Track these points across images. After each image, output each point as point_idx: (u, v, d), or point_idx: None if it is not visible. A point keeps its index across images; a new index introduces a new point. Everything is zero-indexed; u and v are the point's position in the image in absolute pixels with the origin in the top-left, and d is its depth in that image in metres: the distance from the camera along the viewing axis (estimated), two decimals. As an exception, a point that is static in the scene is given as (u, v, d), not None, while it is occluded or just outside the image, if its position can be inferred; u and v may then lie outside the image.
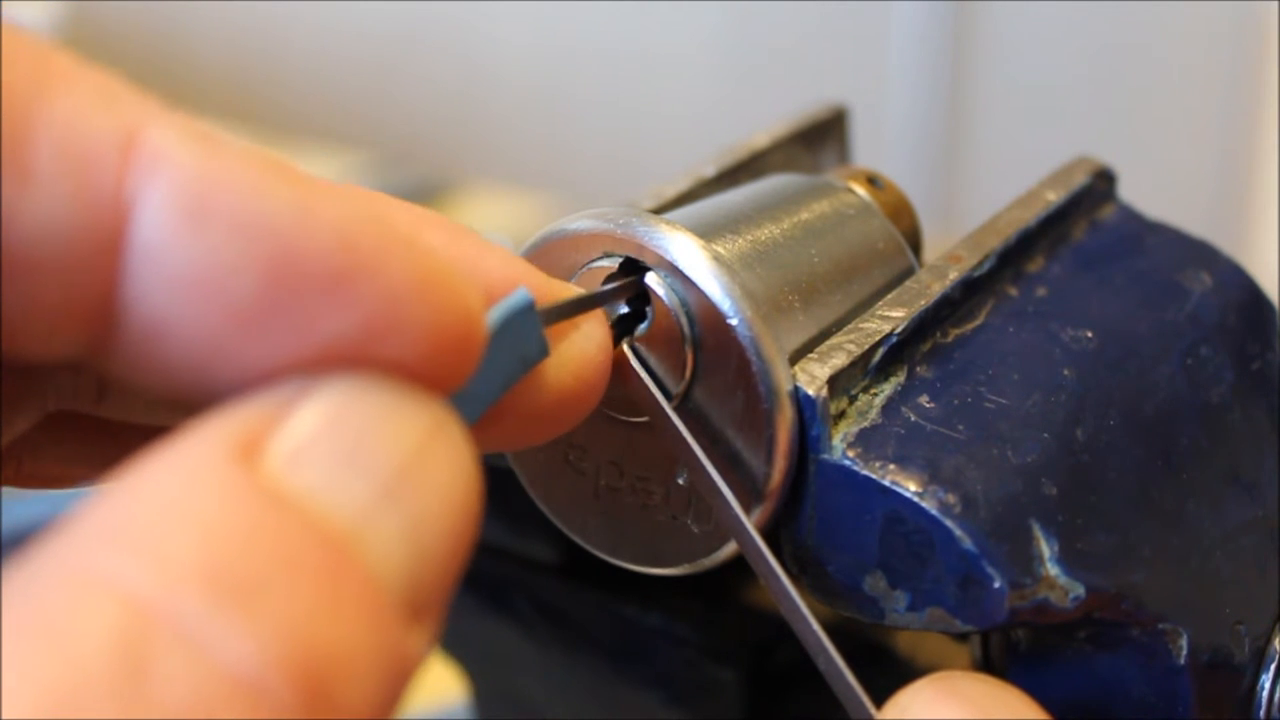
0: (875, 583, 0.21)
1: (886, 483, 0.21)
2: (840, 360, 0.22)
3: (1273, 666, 0.24)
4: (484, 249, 0.20)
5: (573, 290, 0.21)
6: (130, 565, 0.13)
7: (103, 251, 0.15)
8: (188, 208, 0.15)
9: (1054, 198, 0.27)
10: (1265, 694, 0.24)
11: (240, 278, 0.15)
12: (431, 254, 0.16)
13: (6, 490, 0.26)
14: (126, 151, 0.15)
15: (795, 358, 0.22)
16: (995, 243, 0.25)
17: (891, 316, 0.23)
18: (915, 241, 0.27)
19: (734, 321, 0.21)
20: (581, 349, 0.21)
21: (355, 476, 0.15)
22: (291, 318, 0.15)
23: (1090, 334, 0.25)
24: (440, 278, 0.16)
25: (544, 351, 0.19)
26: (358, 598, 0.14)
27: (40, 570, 0.13)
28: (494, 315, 0.19)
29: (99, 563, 0.13)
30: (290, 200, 0.15)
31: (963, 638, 0.26)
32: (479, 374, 0.17)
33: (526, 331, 0.19)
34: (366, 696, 0.14)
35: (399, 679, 0.14)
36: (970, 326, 0.24)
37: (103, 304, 0.15)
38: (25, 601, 0.13)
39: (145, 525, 0.14)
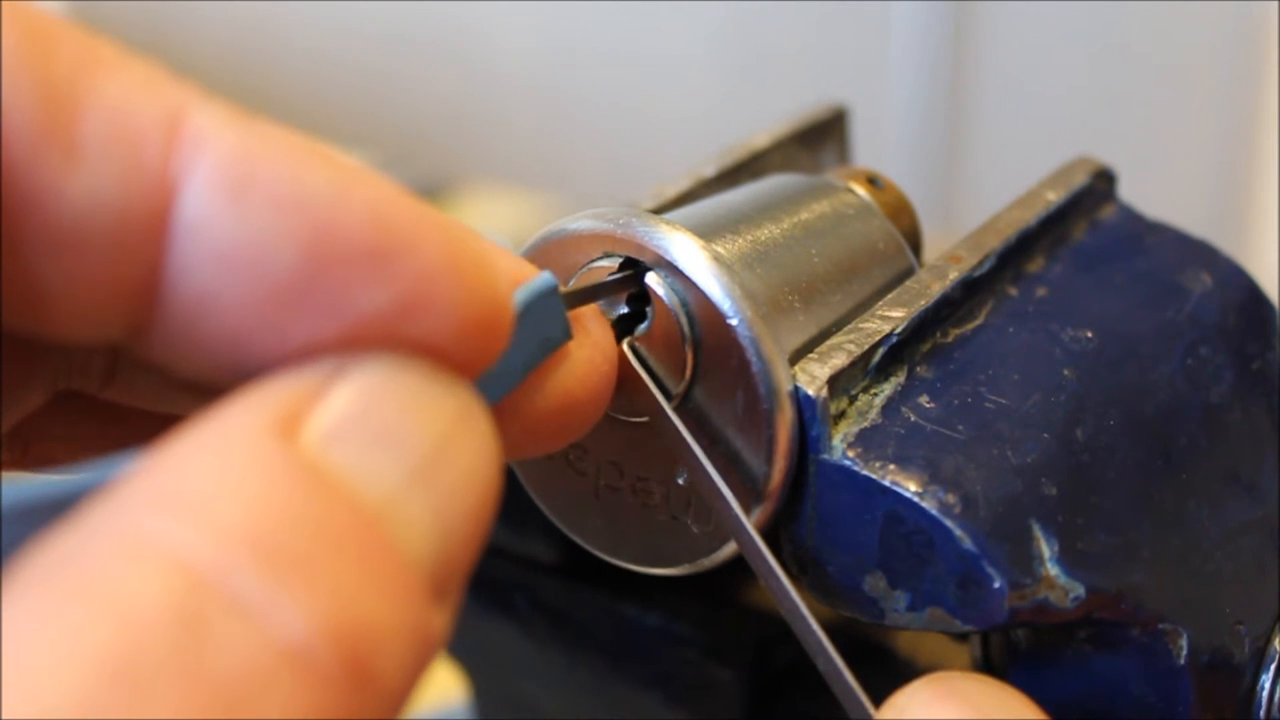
0: (875, 583, 0.21)
1: (886, 483, 0.21)
2: (840, 360, 0.22)
3: (1273, 666, 0.24)
4: (487, 248, 0.20)
5: (573, 288, 0.21)
6: (184, 530, 0.13)
7: (148, 228, 0.15)
8: (230, 185, 0.15)
9: (1054, 198, 0.27)
10: (1265, 694, 0.24)
11: (280, 253, 0.15)
12: (462, 235, 0.16)
13: (8, 475, 0.27)
14: (172, 132, 0.15)
15: (795, 358, 0.22)
16: (995, 243, 0.25)
17: (891, 316, 0.23)
18: (915, 241, 0.27)
19: (734, 321, 0.21)
20: (588, 357, 0.21)
21: (388, 457, 0.15)
22: (329, 293, 0.15)
23: (1090, 334, 0.25)
24: (472, 259, 0.16)
25: (567, 334, 0.20)
26: (392, 574, 0.14)
27: (93, 534, 0.13)
28: (519, 297, 0.19)
29: (152, 527, 0.13)
30: (328, 180, 0.16)
31: (963, 638, 0.26)
32: (504, 355, 0.18)
33: (550, 314, 0.19)
34: (401, 670, 0.14)
35: (426, 655, 0.15)
36: (970, 326, 0.24)
37: (147, 281, 0.15)
38: (79, 564, 0.13)
39: (195, 492, 0.14)
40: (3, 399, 0.19)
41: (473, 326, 0.16)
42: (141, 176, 0.15)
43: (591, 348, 0.21)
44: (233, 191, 0.15)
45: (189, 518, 0.14)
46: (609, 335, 0.21)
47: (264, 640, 0.13)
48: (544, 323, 0.19)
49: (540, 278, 0.19)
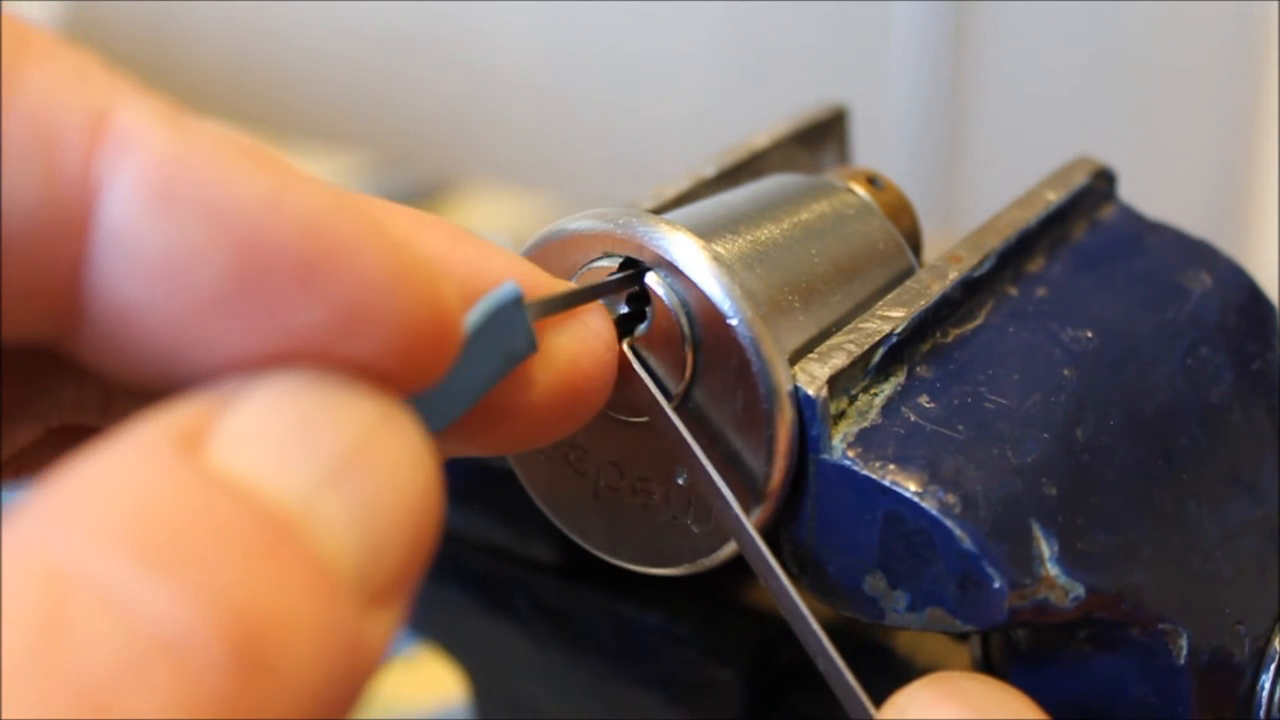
0: (875, 583, 0.21)
1: (886, 483, 0.21)
2: (840, 360, 0.22)
3: (1273, 666, 0.24)
4: (486, 250, 0.20)
5: (570, 286, 0.21)
6: (56, 536, 0.13)
7: (68, 232, 0.15)
8: (155, 192, 0.15)
9: (1054, 198, 0.27)
10: (1265, 694, 0.24)
11: (206, 265, 0.15)
12: (404, 246, 0.16)
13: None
14: (96, 131, 0.15)
15: (795, 358, 0.22)
16: (995, 243, 0.25)
17: (891, 316, 0.23)
18: (915, 241, 0.27)
19: (734, 321, 0.21)
20: (589, 345, 0.21)
21: (297, 461, 0.15)
22: (257, 307, 0.15)
23: (1090, 334, 0.25)
24: (413, 271, 0.16)
25: (532, 346, 0.19)
26: (301, 572, 0.14)
27: None
28: (480, 309, 0.18)
29: (27, 535, 0.13)
30: (260, 186, 0.15)
31: (963, 638, 0.26)
32: (461, 368, 0.17)
33: (513, 326, 0.19)
34: (313, 669, 0.14)
35: (355, 661, 0.14)
36: (970, 326, 0.24)
37: (68, 286, 0.15)
38: None
39: (76, 501, 0.14)
40: None
41: (413, 342, 0.16)
42: (61, 178, 0.15)
43: (593, 338, 0.21)
44: (158, 199, 0.15)
45: (65, 524, 0.13)
46: (609, 325, 0.21)
47: (133, 631, 0.13)
48: (506, 335, 0.19)
49: (502, 288, 0.19)
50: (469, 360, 0.17)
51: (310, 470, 0.15)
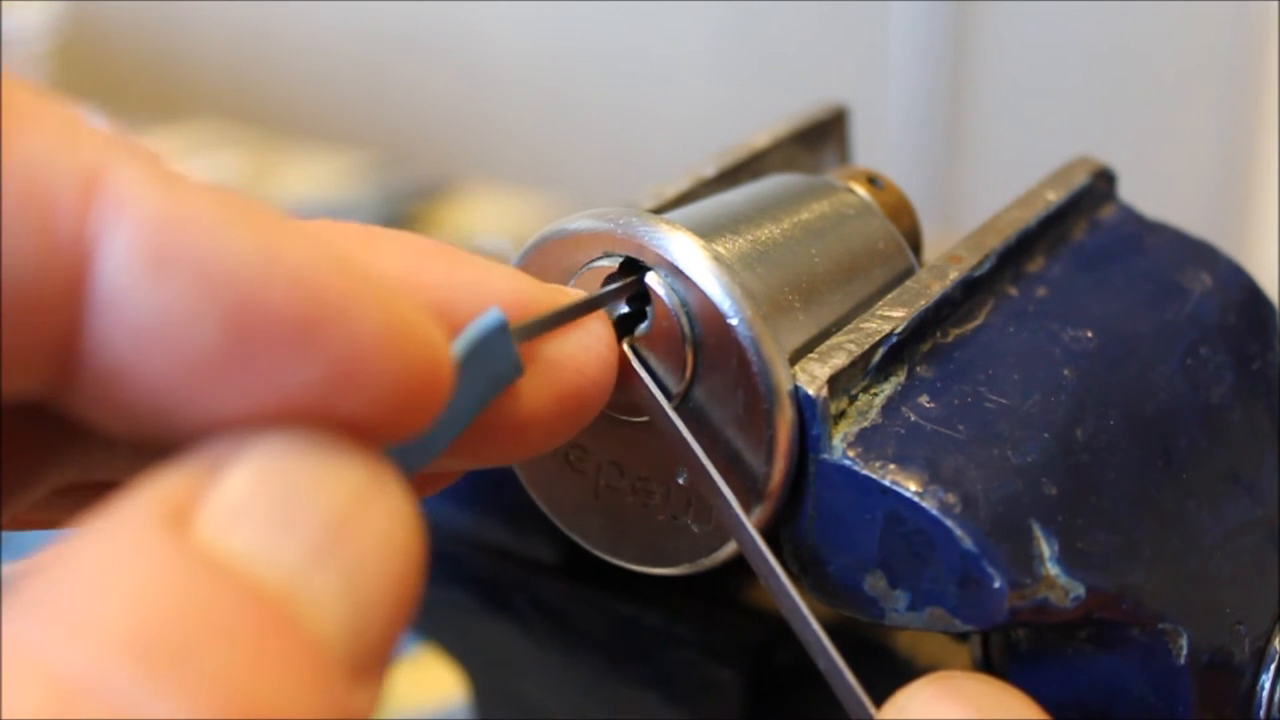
0: (875, 583, 0.21)
1: (886, 482, 0.21)
2: (840, 360, 0.22)
3: (1273, 666, 0.24)
4: (486, 271, 0.20)
5: (573, 296, 0.21)
6: (58, 642, 0.13)
7: (63, 295, 0.15)
8: (149, 256, 0.15)
9: (1054, 198, 0.27)
10: (1265, 694, 0.24)
11: (200, 328, 0.15)
12: (398, 300, 0.16)
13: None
14: (88, 193, 0.15)
15: (795, 358, 0.22)
16: (995, 243, 0.25)
17: (891, 316, 0.23)
18: (915, 241, 0.27)
19: (734, 321, 0.21)
20: (589, 348, 0.21)
21: (286, 537, 0.15)
22: (251, 368, 0.15)
23: (1090, 334, 0.25)
24: (407, 327, 0.16)
25: (518, 370, 0.19)
26: (296, 656, 0.14)
27: None
28: (465, 338, 0.18)
29: (28, 641, 0.13)
30: (253, 246, 0.15)
31: (963, 638, 0.26)
32: (450, 401, 0.17)
33: (499, 352, 0.19)
34: None
35: None
36: (970, 326, 0.24)
37: (63, 347, 0.15)
38: None
39: (74, 599, 0.13)
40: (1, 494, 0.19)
41: (406, 398, 0.16)
42: (55, 243, 0.14)
43: (595, 342, 0.21)
44: (152, 263, 0.15)
45: (64, 626, 0.13)
46: (608, 328, 0.21)
47: None
48: (492, 362, 0.19)
49: (486, 316, 0.19)
50: (456, 391, 0.17)
51: (299, 546, 0.15)
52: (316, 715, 0.14)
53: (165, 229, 0.15)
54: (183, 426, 0.15)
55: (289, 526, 0.15)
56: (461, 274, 0.20)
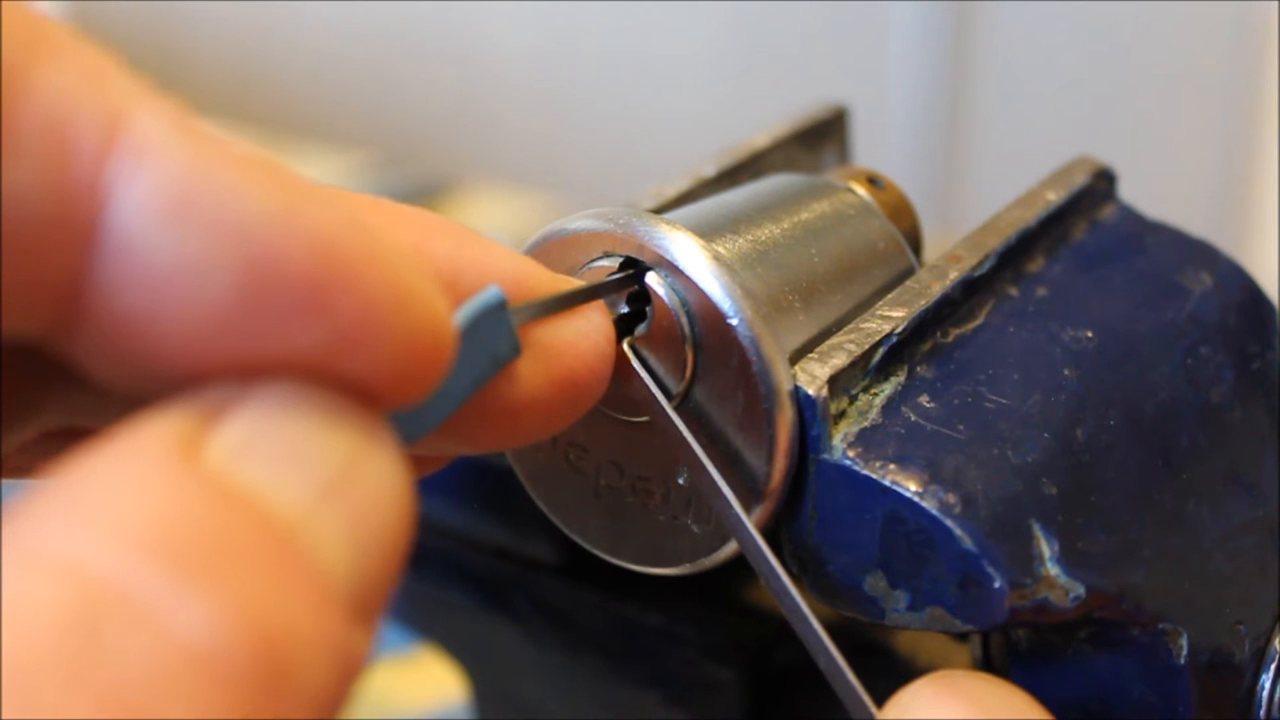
0: (875, 583, 0.21)
1: (887, 482, 0.21)
2: (840, 360, 0.22)
3: (1273, 666, 0.24)
4: (492, 251, 0.20)
5: (576, 284, 0.21)
6: (82, 539, 0.13)
7: (73, 236, 0.15)
8: (168, 205, 0.15)
9: (1054, 198, 0.27)
10: (1265, 694, 0.24)
11: (214, 281, 0.15)
12: (409, 267, 0.16)
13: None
14: (110, 136, 0.15)
15: (795, 357, 0.22)
16: (995, 243, 0.25)
17: (892, 316, 0.23)
18: (915, 241, 0.27)
19: (734, 321, 0.21)
20: (587, 335, 0.21)
21: (295, 475, 0.15)
22: (261, 323, 0.15)
23: (1090, 334, 0.25)
24: (414, 294, 0.16)
25: (515, 351, 0.19)
26: (305, 586, 0.14)
27: None
28: (463, 313, 0.18)
29: (51, 538, 0.13)
30: (273, 204, 0.15)
31: (963, 638, 0.26)
32: (446, 376, 0.17)
33: (497, 330, 0.19)
34: (318, 680, 0.14)
35: (348, 676, 0.14)
36: (970, 326, 0.24)
37: (69, 287, 0.15)
38: None
39: (95, 501, 0.13)
40: None
41: (408, 364, 0.16)
42: (72, 180, 0.15)
43: (593, 331, 0.21)
44: (170, 212, 0.15)
45: (86, 524, 0.13)
46: (607, 318, 0.21)
47: (166, 643, 0.13)
48: (491, 340, 0.19)
49: (486, 293, 0.19)
50: (454, 365, 0.17)
51: (307, 485, 0.15)
52: (321, 647, 0.14)
53: (186, 179, 0.15)
54: (184, 376, 0.15)
55: (297, 466, 0.15)
56: (468, 251, 0.20)
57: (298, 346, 0.15)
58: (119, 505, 0.13)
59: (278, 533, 0.14)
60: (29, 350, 0.16)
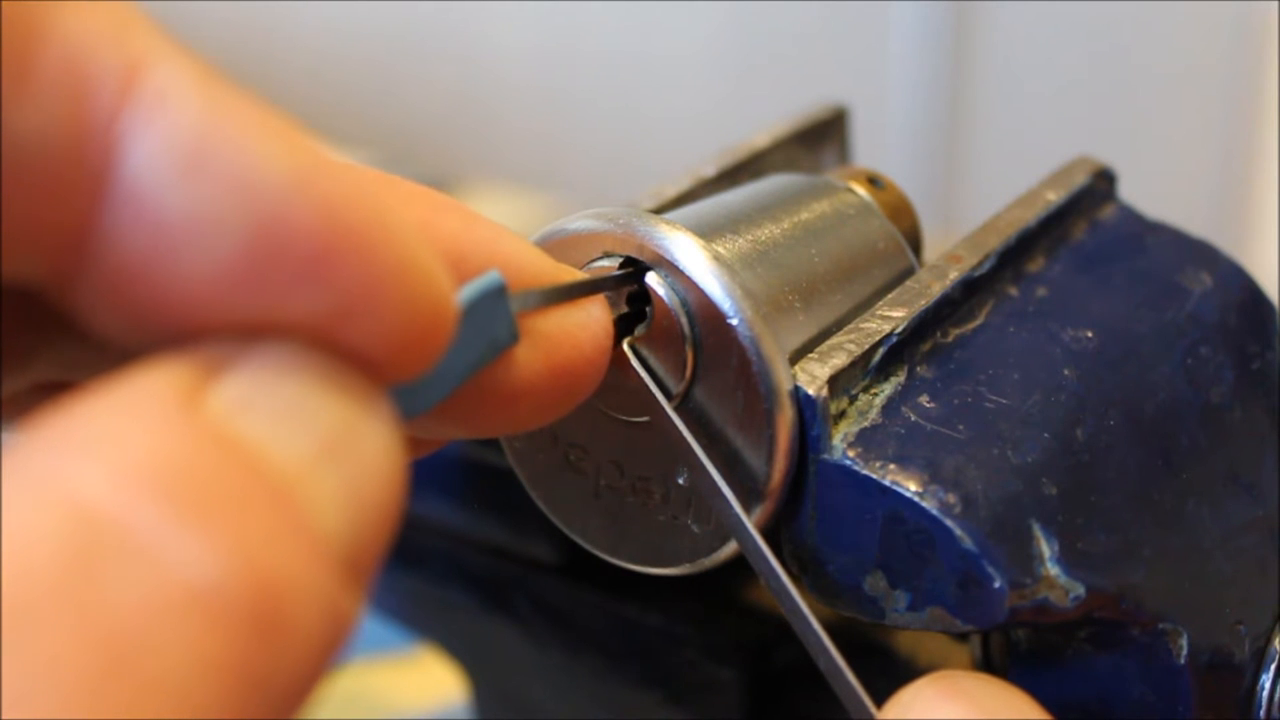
0: (875, 583, 0.21)
1: (887, 482, 0.21)
2: (840, 360, 0.22)
3: (1273, 666, 0.24)
4: (499, 235, 0.20)
5: (579, 276, 0.21)
6: (83, 473, 0.13)
7: (85, 179, 0.15)
8: (183, 157, 0.15)
9: (1054, 198, 0.27)
10: (1265, 694, 0.24)
11: (223, 236, 0.15)
12: (416, 240, 0.16)
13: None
14: (128, 84, 0.15)
15: (795, 357, 0.22)
16: (995, 243, 0.25)
17: (892, 316, 0.23)
18: (915, 241, 0.27)
19: (734, 321, 0.21)
20: (586, 326, 0.21)
21: (294, 433, 0.15)
22: (266, 284, 0.15)
23: (1090, 334, 0.25)
24: (419, 268, 0.16)
25: (513, 337, 0.19)
26: (301, 539, 0.14)
27: None
28: (464, 295, 0.18)
29: (52, 470, 0.13)
30: (287, 166, 0.15)
31: (963, 638, 0.26)
32: (444, 356, 0.17)
33: (496, 315, 0.19)
34: (311, 635, 0.14)
35: (335, 636, 0.14)
36: (970, 326, 0.24)
37: (77, 230, 0.15)
38: None
39: (98, 439, 0.13)
40: None
41: (408, 338, 0.16)
42: (87, 123, 0.14)
43: (592, 322, 0.21)
44: (184, 164, 0.15)
45: (87, 458, 0.13)
46: (607, 311, 0.21)
47: (163, 578, 0.13)
48: (489, 324, 0.19)
49: (486, 277, 0.19)
50: (449, 349, 0.17)
51: (305, 444, 0.15)
52: (314, 600, 0.14)
53: (201, 132, 0.15)
54: (182, 333, 0.15)
55: (295, 425, 0.15)
56: (475, 232, 0.20)
57: (300, 310, 0.15)
58: (121, 442, 0.13)
59: (275, 485, 0.14)
60: (28, 297, 0.16)
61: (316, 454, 0.15)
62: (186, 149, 0.15)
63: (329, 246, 0.15)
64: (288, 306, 0.15)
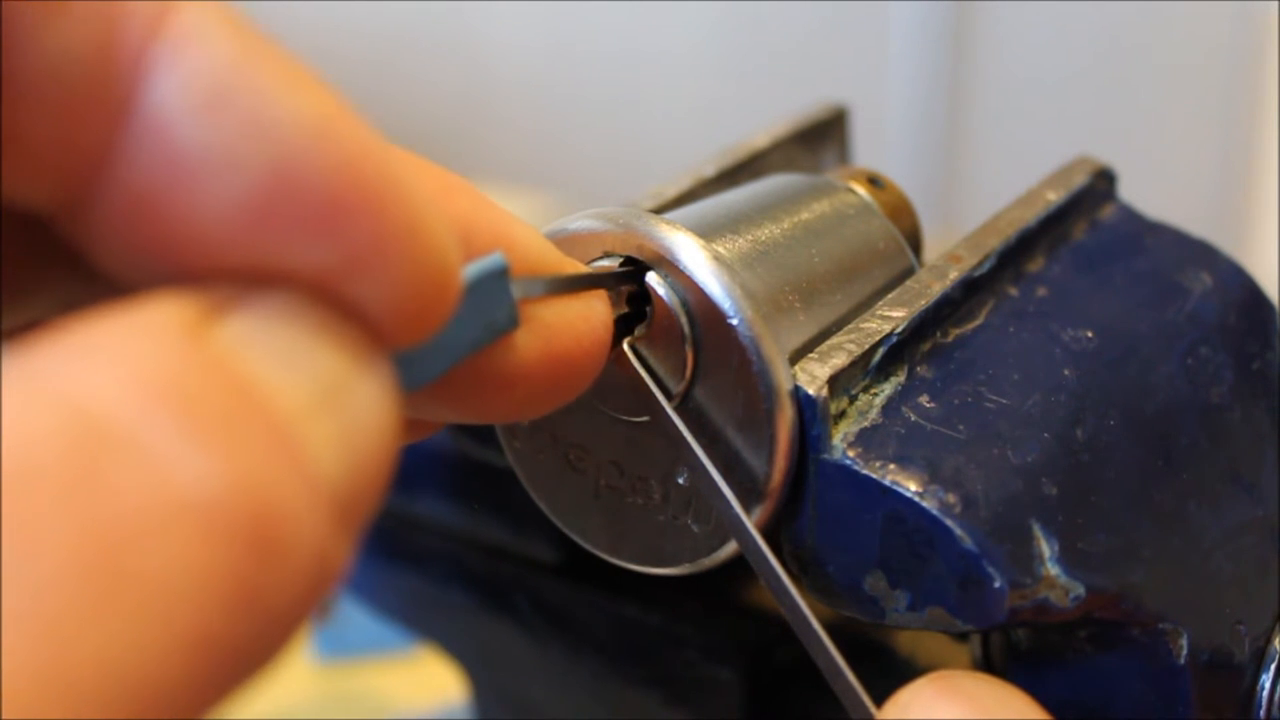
0: (875, 582, 0.21)
1: (887, 482, 0.21)
2: (840, 360, 0.22)
3: (1273, 666, 0.24)
4: (507, 219, 0.20)
5: (582, 269, 0.21)
6: (88, 377, 0.13)
7: (109, 105, 0.15)
8: (205, 94, 0.15)
9: (1054, 198, 0.27)
10: (1265, 694, 0.24)
11: (238, 174, 0.15)
12: (427, 202, 0.16)
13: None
14: (159, 18, 0.15)
15: (795, 357, 0.22)
16: (995, 243, 0.25)
17: (892, 316, 0.23)
18: (915, 241, 0.27)
19: (734, 321, 0.21)
20: (586, 318, 0.21)
21: (295, 376, 0.15)
22: (277, 228, 0.15)
23: (1090, 334, 0.25)
24: (428, 232, 0.16)
25: (513, 321, 0.19)
26: (296, 476, 0.14)
27: None
28: (466, 273, 0.18)
29: (56, 373, 0.13)
30: (310, 114, 0.15)
31: (963, 637, 0.26)
32: (443, 331, 0.17)
33: (497, 297, 0.19)
34: (303, 569, 0.14)
35: (322, 579, 0.14)
36: (970, 326, 0.24)
37: (96, 156, 0.15)
38: None
39: (104, 350, 0.13)
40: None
41: (411, 300, 0.16)
42: (116, 50, 0.15)
43: (592, 314, 0.21)
44: (207, 101, 0.15)
45: (93, 365, 0.13)
46: (607, 305, 0.21)
47: (162, 485, 0.13)
48: (490, 305, 0.19)
49: (489, 259, 0.19)
50: (449, 324, 0.17)
51: (305, 387, 0.15)
52: (306, 533, 0.14)
53: (226, 71, 0.15)
54: (189, 273, 0.15)
55: (296, 369, 0.15)
56: (482, 214, 0.20)
57: (307, 259, 0.15)
58: (128, 355, 0.13)
59: (275, 420, 0.14)
60: (36, 229, 0.16)
61: (315, 399, 0.15)
62: (211, 86, 0.15)
63: (342, 197, 0.15)
64: (295, 254, 0.15)
